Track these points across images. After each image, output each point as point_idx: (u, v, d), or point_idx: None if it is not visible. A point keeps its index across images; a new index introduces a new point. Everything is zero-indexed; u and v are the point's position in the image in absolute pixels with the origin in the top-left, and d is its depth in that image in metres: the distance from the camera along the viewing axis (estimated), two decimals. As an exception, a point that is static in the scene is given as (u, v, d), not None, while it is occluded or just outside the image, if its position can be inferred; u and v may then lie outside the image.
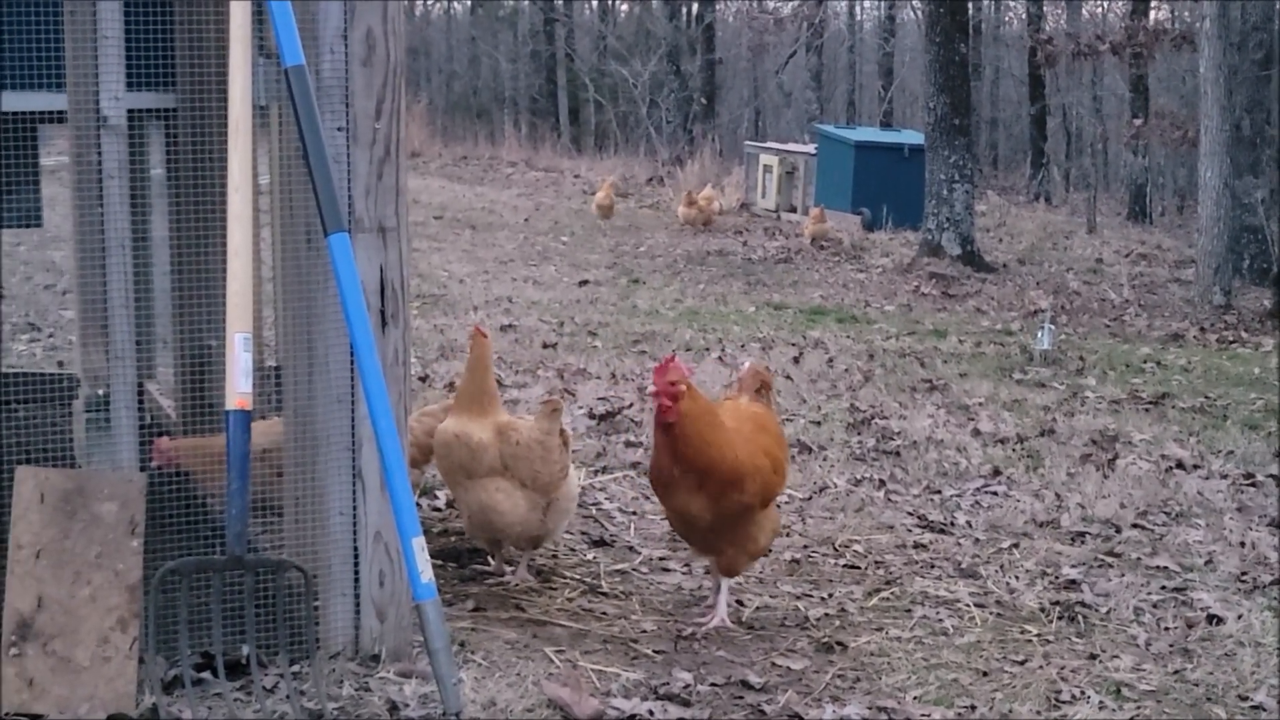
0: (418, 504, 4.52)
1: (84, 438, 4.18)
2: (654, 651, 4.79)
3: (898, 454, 7.67)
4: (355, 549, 4.38)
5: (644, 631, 5.00)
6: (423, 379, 8.71)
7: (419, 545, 3.88)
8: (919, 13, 30.25)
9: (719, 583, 5.14)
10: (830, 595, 5.48)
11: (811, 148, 21.86)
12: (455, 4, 47.37)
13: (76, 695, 3.91)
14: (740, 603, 5.34)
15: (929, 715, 4.34)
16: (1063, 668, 4.84)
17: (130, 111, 4.24)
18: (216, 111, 4.66)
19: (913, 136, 20.95)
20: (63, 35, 4.30)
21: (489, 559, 5.55)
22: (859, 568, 5.83)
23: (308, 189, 4.19)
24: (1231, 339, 12.85)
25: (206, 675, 4.08)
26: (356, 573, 4.39)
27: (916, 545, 6.14)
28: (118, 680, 3.94)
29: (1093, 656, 4.96)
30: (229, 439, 3.91)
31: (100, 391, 4.14)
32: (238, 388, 3.93)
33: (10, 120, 4.97)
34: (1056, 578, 5.76)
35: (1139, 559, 6.05)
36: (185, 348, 5.18)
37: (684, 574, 5.64)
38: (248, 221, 4.03)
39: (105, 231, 4.12)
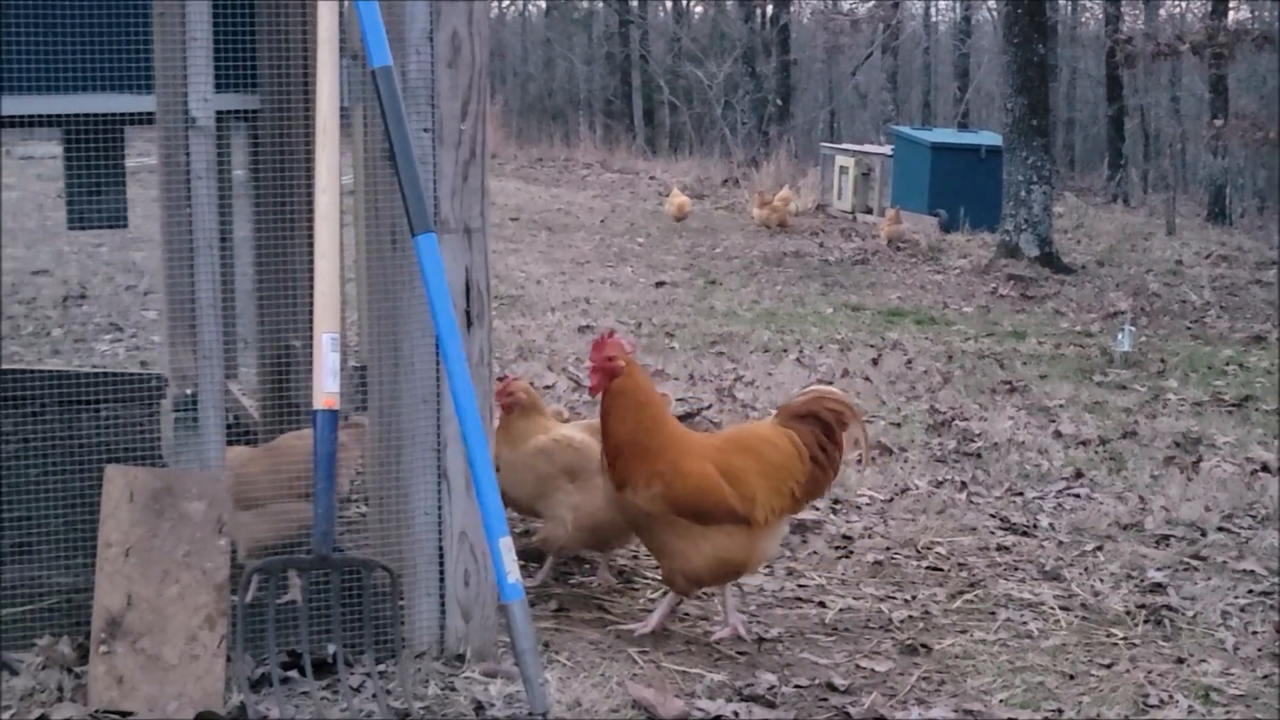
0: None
1: (172, 437, 4.20)
2: (737, 653, 4.78)
3: (979, 456, 7.62)
4: (440, 549, 4.40)
5: (726, 633, 4.99)
6: (501, 379, 8.70)
7: (506, 545, 3.89)
8: (996, 14, 30.06)
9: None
10: (914, 597, 5.45)
11: (887, 149, 21.75)
12: (530, 6, 47.51)
13: (165, 693, 3.94)
14: (823, 604, 5.32)
15: (1016, 718, 4.31)
16: (1150, 671, 4.79)
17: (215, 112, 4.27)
18: (300, 112, 4.70)
19: (989, 137, 20.81)
20: (149, 38, 4.34)
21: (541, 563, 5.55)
22: (942, 570, 5.80)
23: (392, 190, 4.21)
24: (1316, 341, 12.69)
25: (293, 674, 4.10)
26: (441, 573, 4.40)
27: (999, 547, 6.09)
28: (206, 678, 3.97)
29: (1180, 660, 4.91)
30: (316, 438, 3.93)
31: (188, 391, 4.17)
32: (325, 387, 3.95)
33: (97, 122, 5.03)
34: (1142, 581, 5.70)
35: (1225, 562, 5.98)
36: (267, 348, 5.22)
37: (765, 575, 5.62)
38: (335, 222, 4.05)
39: (193, 232, 4.14)
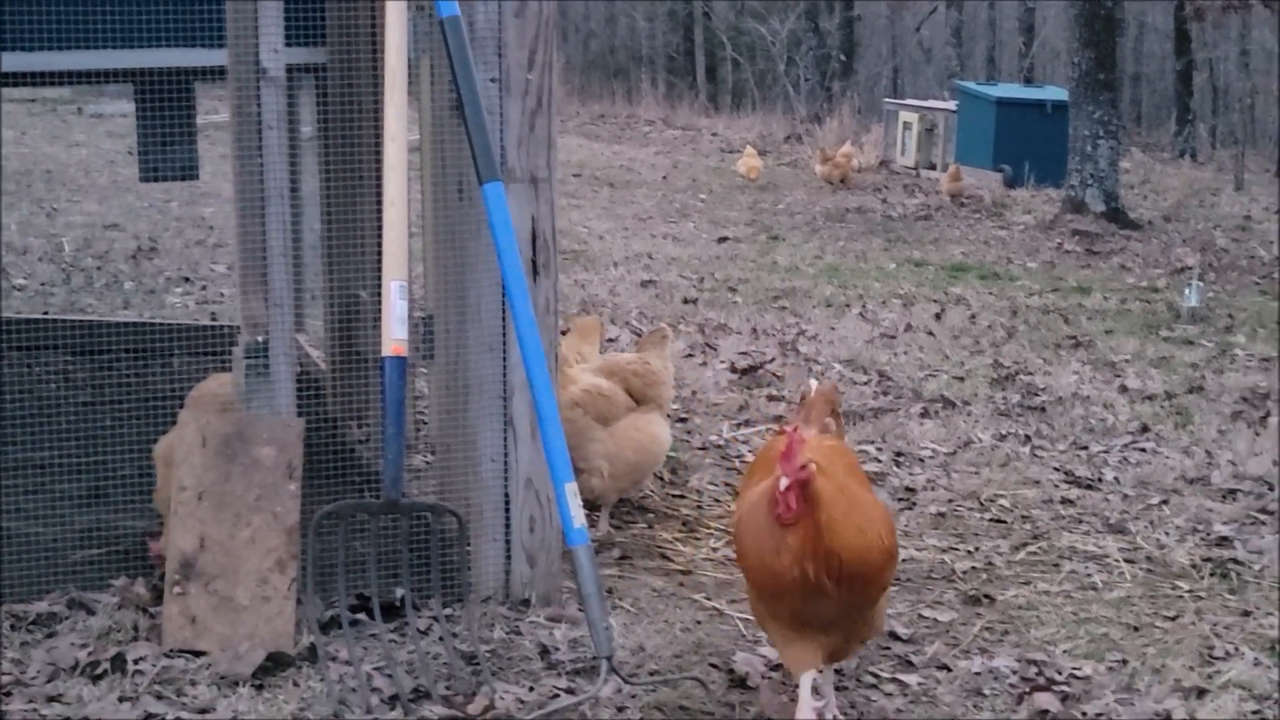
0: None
1: (243, 383, 4.26)
2: (800, 601, 4.80)
3: (1043, 410, 7.60)
4: (506, 495, 4.45)
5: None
6: (564, 333, 8.75)
7: (571, 491, 3.93)
8: (1062, -33, 29.70)
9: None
10: (977, 549, 5.45)
11: (952, 104, 21.61)
12: (592, -37, 47.34)
13: (237, 634, 4.01)
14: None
15: (1080, 669, 4.32)
16: (1215, 624, 4.78)
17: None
18: (366, 66, 4.74)
19: (1055, 93, 20.62)
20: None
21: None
22: (1005, 522, 5.80)
23: (459, 141, 4.25)
24: (1388, 297, 12.54)
25: (362, 617, 4.17)
26: (507, 518, 4.45)
27: (1063, 500, 6.08)
28: (276, 620, 4.04)
29: (1246, 613, 4.89)
30: (385, 385, 3.98)
31: (259, 338, 4.23)
32: (393, 334, 4.00)
33: (169, 76, 5.09)
34: (1208, 534, 5.68)
35: (1292, 517, 5.95)
36: (335, 299, 5.28)
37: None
38: (403, 171, 4.09)
39: (264, 182, 4.19)
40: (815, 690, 3.76)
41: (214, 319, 8.40)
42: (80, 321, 7.36)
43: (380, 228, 4.16)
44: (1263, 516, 5.93)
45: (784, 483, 3.50)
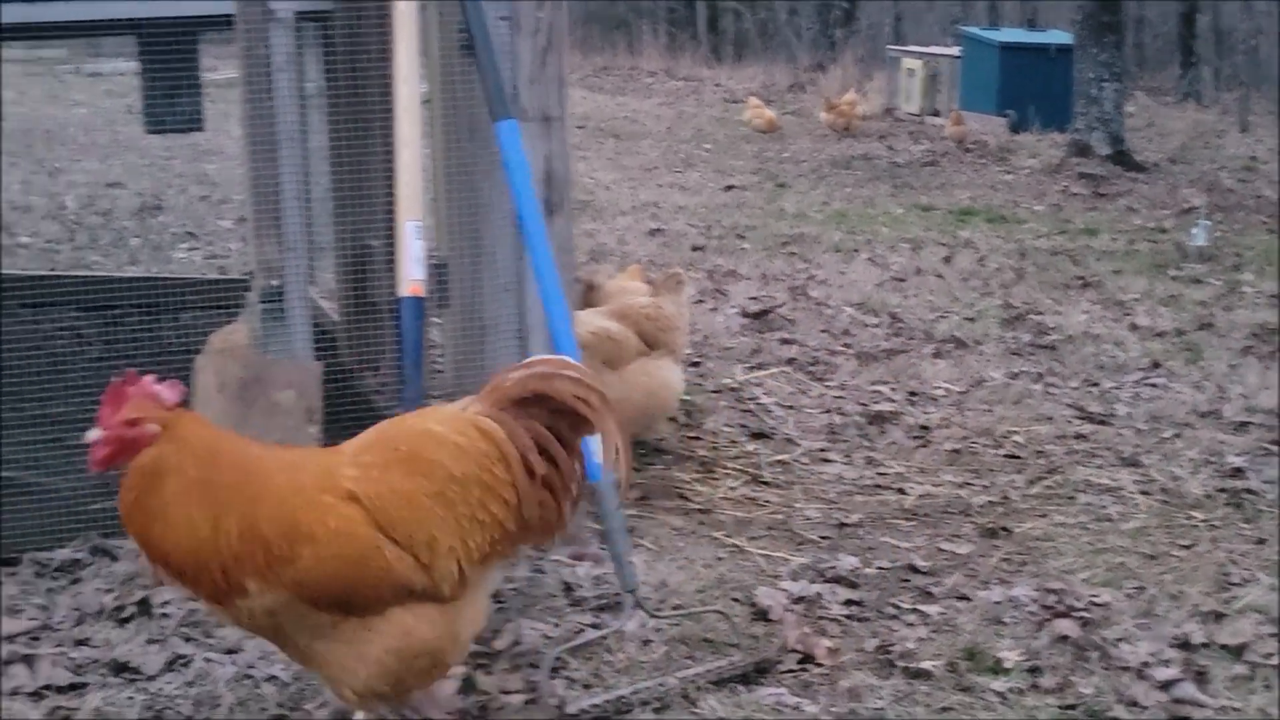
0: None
1: (260, 328, 4.27)
2: (820, 537, 4.83)
3: (1054, 348, 7.60)
4: (526, 436, 4.44)
5: (807, 519, 5.03)
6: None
7: (591, 427, 3.92)
8: (1063, -90, 29.53)
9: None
10: (992, 484, 5.47)
11: (955, 50, 21.54)
12: (591, -85, 47.07)
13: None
14: (902, 491, 5.36)
15: (1098, 596, 4.33)
16: (1231, 552, 4.80)
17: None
18: (372, 12, 4.71)
19: (1059, 36, 20.54)
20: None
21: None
22: (1020, 457, 5.81)
23: (469, 83, 4.24)
24: (1395, 233, 12.51)
25: (384, 558, 4.17)
26: (527, 459, 4.45)
27: (1077, 436, 6.09)
28: (300, 562, 4.04)
29: (1261, 541, 4.91)
30: (404, 325, 3.98)
31: (274, 283, 4.23)
32: (410, 275, 4.00)
33: (172, 27, 5.08)
34: (1221, 466, 5.69)
35: (1306, 448, 5.96)
36: (345, 249, 5.27)
37: (845, 464, 5.65)
38: (416, 112, 4.08)
39: (276, 124, 4.18)
40: None
41: (222, 273, 8.39)
42: (89, 277, 7.34)
43: (389, 176, 4.15)
44: (1275, 448, 5.93)
45: (94, 434, 2.87)
